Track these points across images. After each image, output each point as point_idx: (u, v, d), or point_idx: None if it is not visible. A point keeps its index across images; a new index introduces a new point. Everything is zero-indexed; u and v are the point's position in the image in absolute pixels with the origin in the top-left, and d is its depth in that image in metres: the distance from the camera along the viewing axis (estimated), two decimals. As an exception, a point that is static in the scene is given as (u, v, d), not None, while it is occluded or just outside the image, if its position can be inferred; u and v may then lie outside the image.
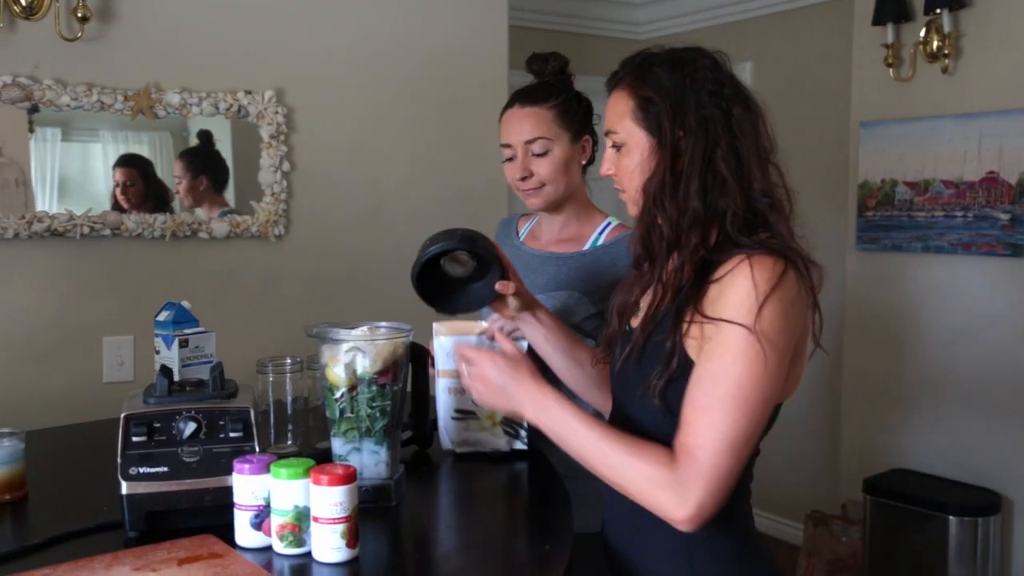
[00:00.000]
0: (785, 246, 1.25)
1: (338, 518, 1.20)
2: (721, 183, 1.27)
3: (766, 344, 1.18)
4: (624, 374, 1.36)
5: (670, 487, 1.18)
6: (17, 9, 2.28)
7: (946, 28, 3.20)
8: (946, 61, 3.24)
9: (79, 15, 2.34)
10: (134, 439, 1.30)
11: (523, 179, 1.81)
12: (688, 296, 1.25)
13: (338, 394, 1.41)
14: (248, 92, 2.64)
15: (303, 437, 1.78)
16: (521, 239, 1.97)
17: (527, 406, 1.33)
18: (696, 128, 1.27)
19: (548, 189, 1.80)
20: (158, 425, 1.32)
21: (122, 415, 1.32)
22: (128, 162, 2.49)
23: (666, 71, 1.30)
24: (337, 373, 1.41)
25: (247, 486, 1.25)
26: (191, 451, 1.32)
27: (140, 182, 2.50)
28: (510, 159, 1.83)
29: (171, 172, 2.57)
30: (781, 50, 4.18)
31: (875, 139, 3.53)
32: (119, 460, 1.30)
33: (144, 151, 2.53)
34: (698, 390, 1.21)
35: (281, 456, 1.31)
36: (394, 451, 1.46)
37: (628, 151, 1.32)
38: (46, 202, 2.40)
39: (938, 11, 3.19)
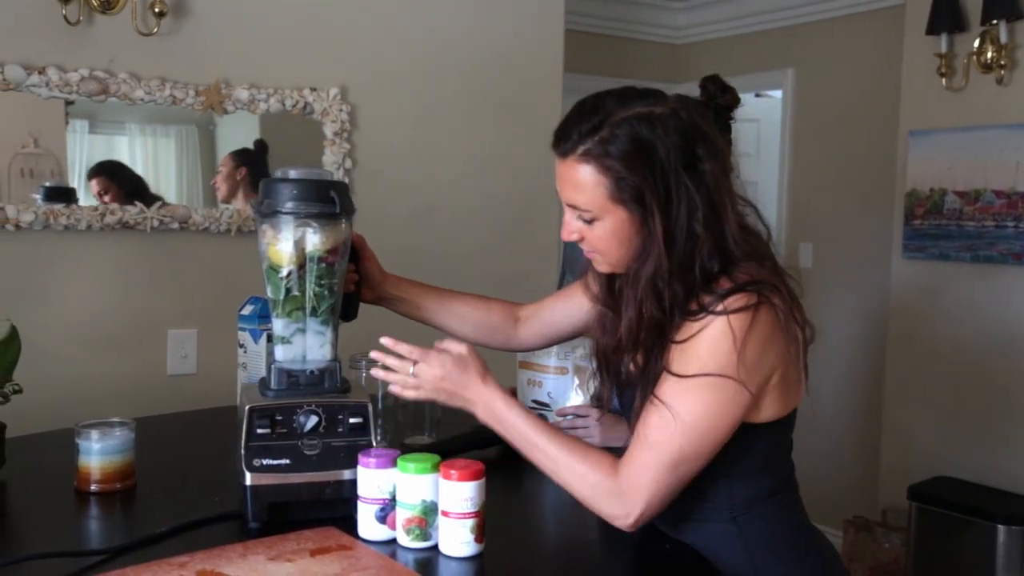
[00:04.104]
0: (754, 280, 1.22)
1: (468, 513, 1.21)
2: (703, 243, 1.22)
3: (746, 381, 1.19)
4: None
5: (613, 496, 1.22)
6: (95, 3, 2.30)
7: (1003, 39, 3.21)
8: (1001, 72, 3.25)
9: (156, 10, 2.35)
10: (258, 431, 1.31)
11: None
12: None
13: (284, 272, 1.39)
14: (314, 89, 2.66)
15: (392, 432, 1.79)
16: None
17: (478, 408, 1.33)
18: (677, 198, 1.21)
19: None
20: (280, 418, 1.33)
21: (246, 407, 1.33)
22: (95, 173, 2.43)
23: (631, 139, 1.21)
24: (282, 250, 1.38)
25: (373, 480, 1.26)
26: (311, 444, 1.33)
27: (112, 186, 2.45)
28: None
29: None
30: (825, 57, 4.18)
31: (924, 148, 3.53)
32: (242, 452, 1.31)
33: (171, 144, 2.53)
34: (655, 410, 1.21)
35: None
36: (336, 333, 1.45)
37: (600, 224, 1.26)
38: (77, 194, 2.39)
39: (995, 22, 3.20)
